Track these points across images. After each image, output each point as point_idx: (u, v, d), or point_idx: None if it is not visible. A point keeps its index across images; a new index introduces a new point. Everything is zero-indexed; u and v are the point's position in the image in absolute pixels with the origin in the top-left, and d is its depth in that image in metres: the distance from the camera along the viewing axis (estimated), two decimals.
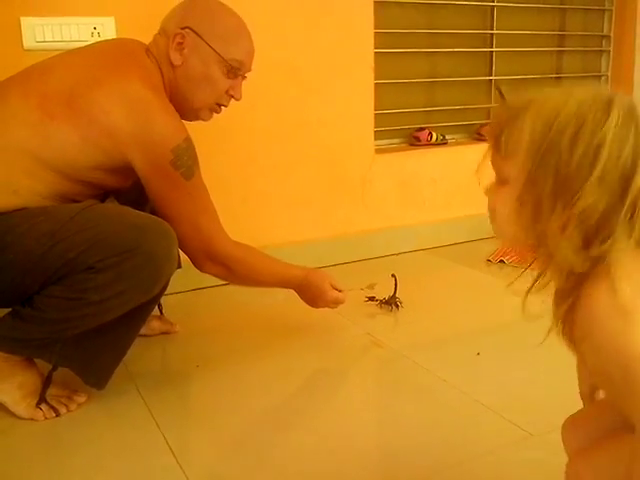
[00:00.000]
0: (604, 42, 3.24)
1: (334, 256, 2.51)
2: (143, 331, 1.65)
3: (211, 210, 1.53)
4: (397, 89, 2.71)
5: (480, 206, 2.94)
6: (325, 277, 1.74)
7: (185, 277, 1.91)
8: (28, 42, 1.92)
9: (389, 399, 1.54)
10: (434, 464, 1.25)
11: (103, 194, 1.55)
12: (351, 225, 2.56)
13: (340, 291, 1.75)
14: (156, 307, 1.68)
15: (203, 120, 1.65)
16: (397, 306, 2.05)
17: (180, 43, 1.50)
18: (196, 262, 1.55)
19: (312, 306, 1.76)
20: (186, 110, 1.57)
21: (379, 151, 2.61)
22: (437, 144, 2.74)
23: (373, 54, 2.49)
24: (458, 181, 2.75)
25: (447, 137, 2.81)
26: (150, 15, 2.04)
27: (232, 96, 1.61)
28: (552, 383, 1.55)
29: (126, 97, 1.38)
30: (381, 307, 2.06)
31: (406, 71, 2.72)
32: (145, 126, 1.38)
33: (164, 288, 1.47)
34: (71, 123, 1.36)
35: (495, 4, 2.86)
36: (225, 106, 1.64)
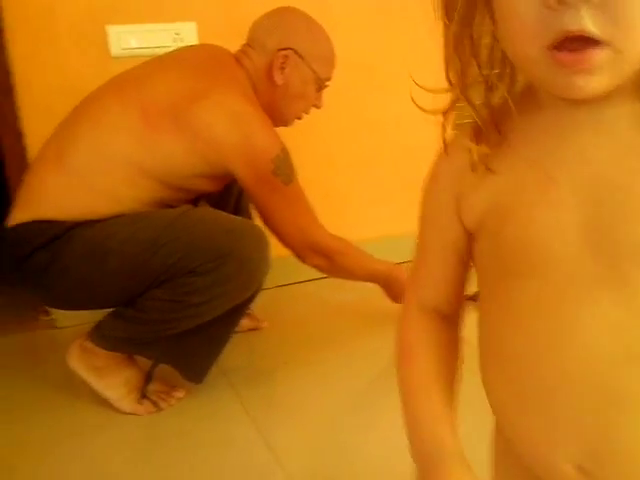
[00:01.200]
0: None
1: (410, 253, 2.50)
2: None
3: (309, 210, 1.58)
4: None
5: None
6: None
7: (271, 274, 1.95)
8: (115, 50, 1.99)
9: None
10: None
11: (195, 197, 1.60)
12: None
13: None
14: None
15: (287, 126, 1.73)
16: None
17: (283, 63, 1.55)
18: (300, 255, 1.61)
19: (395, 301, 1.78)
20: (278, 120, 1.65)
21: None
22: None
23: None
24: None
25: None
26: (230, 20, 2.11)
27: (316, 105, 1.70)
28: None
29: (227, 110, 1.44)
30: (469, 304, 2.05)
31: None
32: (247, 139, 1.44)
33: (258, 289, 1.52)
34: (175, 135, 1.41)
35: None
36: (307, 114, 1.71)
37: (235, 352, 1.78)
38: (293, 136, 2.23)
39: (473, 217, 0.58)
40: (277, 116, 1.63)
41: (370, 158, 2.41)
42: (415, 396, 0.62)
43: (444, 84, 0.60)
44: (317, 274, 1.96)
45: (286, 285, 2.24)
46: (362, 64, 2.32)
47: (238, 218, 1.51)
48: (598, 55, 0.44)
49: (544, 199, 0.51)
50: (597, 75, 0.45)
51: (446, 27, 0.57)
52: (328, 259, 1.62)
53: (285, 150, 1.51)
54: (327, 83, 1.67)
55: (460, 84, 0.56)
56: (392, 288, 1.75)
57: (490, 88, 0.55)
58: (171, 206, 1.48)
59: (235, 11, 2.10)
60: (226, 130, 1.43)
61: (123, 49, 2.00)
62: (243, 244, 1.40)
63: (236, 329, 1.84)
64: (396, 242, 2.46)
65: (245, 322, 1.90)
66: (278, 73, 1.56)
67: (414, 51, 2.39)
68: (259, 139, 1.45)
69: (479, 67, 0.55)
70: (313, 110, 2.08)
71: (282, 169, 1.48)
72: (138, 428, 1.46)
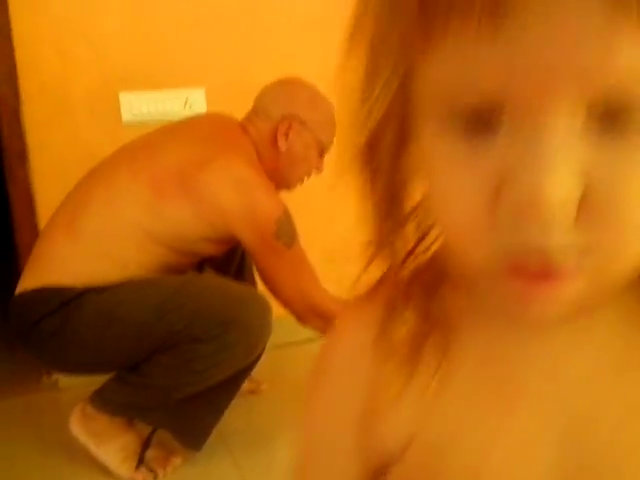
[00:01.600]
0: None
1: None
2: None
3: (311, 272, 1.60)
4: None
5: None
6: None
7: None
8: (126, 116, 2.06)
9: None
10: None
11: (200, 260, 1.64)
12: None
13: None
14: None
15: (290, 190, 1.77)
16: None
17: (286, 130, 1.61)
18: (300, 318, 1.62)
19: None
20: (282, 184, 1.71)
21: None
22: None
23: None
24: None
25: None
26: (238, 86, 2.18)
27: (318, 169, 1.73)
28: None
29: (231, 177, 1.50)
30: None
31: None
32: (251, 204, 1.49)
33: (260, 354, 1.54)
34: (183, 201, 1.46)
35: None
36: (309, 177, 1.76)
37: (234, 416, 1.79)
38: (294, 197, 2.29)
39: (392, 445, 0.38)
40: (281, 180, 1.69)
41: None
42: None
43: None
44: (317, 334, 1.98)
45: (286, 345, 2.25)
46: None
47: (241, 286, 1.55)
48: (569, 287, 0.30)
49: (503, 426, 0.37)
50: (564, 306, 0.31)
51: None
52: (328, 322, 1.63)
53: (287, 213, 1.55)
54: (329, 148, 1.72)
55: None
56: None
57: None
58: (178, 270, 1.52)
59: (242, 78, 2.17)
60: (230, 196, 1.48)
61: (134, 115, 2.07)
62: (246, 312, 1.44)
63: None
64: None
65: (245, 385, 1.92)
66: (282, 139, 1.62)
67: None
68: (262, 203, 1.50)
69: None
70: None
71: (284, 232, 1.52)
72: None
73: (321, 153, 1.69)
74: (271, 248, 1.52)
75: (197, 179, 1.48)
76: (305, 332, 2.01)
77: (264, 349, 1.54)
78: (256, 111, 1.67)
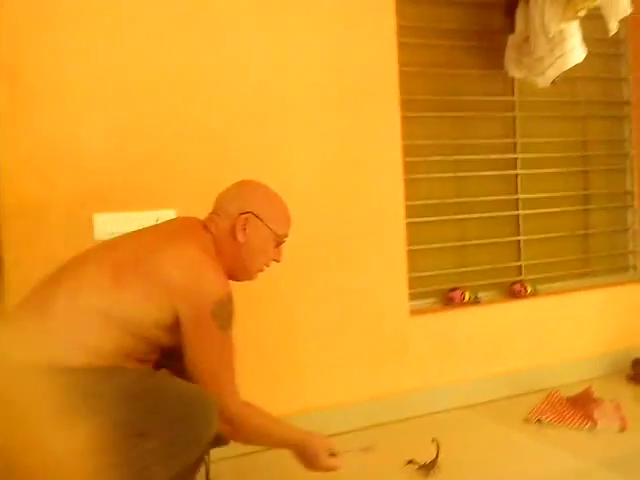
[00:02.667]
0: (628, 198, 3.42)
1: (377, 416, 2.61)
2: None
3: (233, 368, 1.69)
4: (430, 253, 2.91)
5: (515, 362, 3.07)
6: (322, 443, 1.82)
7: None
8: (98, 234, 2.21)
9: None
10: None
11: (157, 357, 1.73)
12: (392, 386, 2.68)
13: (335, 455, 1.83)
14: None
15: (252, 280, 1.90)
16: (434, 471, 2.12)
17: (244, 224, 1.79)
18: None
19: (306, 468, 1.83)
20: (242, 274, 1.85)
21: (414, 312, 2.77)
22: (470, 303, 2.89)
23: (404, 224, 2.71)
24: (493, 338, 2.87)
25: (480, 295, 2.96)
26: (207, 207, 2.34)
27: (275, 259, 1.90)
28: None
29: (183, 258, 1.64)
30: (419, 472, 2.14)
31: (439, 235, 2.94)
32: (196, 280, 1.61)
33: (202, 457, 1.61)
34: (136, 283, 1.59)
35: (519, 172, 3.10)
36: (268, 267, 1.91)
37: None
38: (260, 305, 2.42)
39: None
40: (241, 270, 1.84)
41: (332, 326, 2.58)
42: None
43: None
44: None
45: (249, 454, 2.31)
46: (323, 239, 2.55)
47: (191, 385, 1.62)
48: None
49: None
50: None
51: None
52: (232, 426, 1.68)
53: (230, 297, 1.66)
54: (284, 239, 1.89)
55: None
56: (302, 456, 1.81)
57: None
58: (139, 359, 1.62)
59: (211, 199, 2.34)
60: (178, 273, 1.61)
61: (107, 233, 2.21)
62: (193, 410, 1.53)
63: None
64: (358, 407, 2.59)
65: None
66: (240, 233, 1.78)
67: (370, 224, 2.64)
68: (206, 281, 1.62)
69: None
70: (280, 280, 2.29)
71: (222, 313, 1.62)
72: None
73: (277, 244, 1.86)
74: (205, 324, 1.61)
75: (149, 261, 1.62)
76: None
77: (205, 451, 1.61)
78: (216, 211, 1.85)
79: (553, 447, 2.31)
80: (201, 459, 1.64)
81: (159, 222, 1.95)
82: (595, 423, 2.50)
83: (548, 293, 3.10)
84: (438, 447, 2.16)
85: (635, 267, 3.43)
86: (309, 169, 2.54)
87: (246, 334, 2.39)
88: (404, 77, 2.74)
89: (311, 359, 2.54)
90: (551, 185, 3.20)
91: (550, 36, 2.69)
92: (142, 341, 1.63)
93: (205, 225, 1.82)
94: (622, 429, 2.46)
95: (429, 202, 2.90)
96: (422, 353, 2.75)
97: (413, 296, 2.82)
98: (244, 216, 1.79)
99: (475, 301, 2.91)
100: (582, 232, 3.31)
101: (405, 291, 2.73)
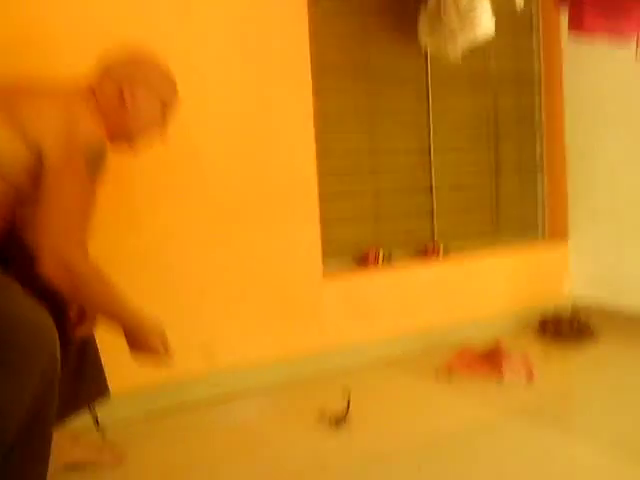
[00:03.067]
0: (538, 163, 3.52)
1: (290, 375, 2.60)
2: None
3: (88, 223, 1.59)
4: (344, 217, 2.90)
5: (428, 319, 3.11)
6: (156, 326, 1.75)
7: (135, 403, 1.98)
8: None
9: None
10: None
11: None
12: (305, 344, 2.66)
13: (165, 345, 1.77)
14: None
15: (136, 147, 1.85)
16: (344, 422, 2.12)
17: (131, 88, 1.75)
18: (43, 258, 1.52)
19: (135, 349, 1.75)
20: (125, 139, 1.81)
21: (328, 274, 2.75)
22: (384, 263, 2.91)
23: (317, 184, 2.69)
24: (406, 296, 2.90)
25: (393, 255, 2.98)
26: None
27: (161, 128, 1.87)
28: None
29: (61, 101, 1.61)
30: (330, 424, 2.13)
31: (352, 204, 2.93)
32: (74, 120, 1.57)
33: (52, 395, 1.47)
34: (8, 122, 1.52)
35: (432, 140, 3.13)
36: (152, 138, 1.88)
37: None
38: (167, 267, 2.35)
39: None
40: (127, 134, 1.80)
41: (246, 288, 2.53)
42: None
43: None
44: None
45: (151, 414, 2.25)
46: (239, 199, 2.50)
47: (35, 305, 1.48)
48: None
49: None
50: None
51: None
52: (70, 274, 1.53)
53: (105, 150, 1.61)
54: (171, 108, 1.85)
55: None
56: (136, 334, 1.72)
57: None
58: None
59: None
60: (55, 111, 1.56)
61: None
62: (24, 332, 1.41)
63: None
64: (271, 367, 2.56)
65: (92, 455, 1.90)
66: (128, 97, 1.74)
67: (280, 182, 2.59)
68: (85, 125, 1.58)
69: None
70: (189, 240, 2.23)
71: (94, 161, 1.57)
72: None
73: (164, 110, 1.83)
74: (75, 166, 1.54)
75: (25, 101, 1.58)
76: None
77: (53, 391, 1.47)
78: (102, 75, 1.78)
79: (462, 398, 2.35)
80: (47, 397, 1.47)
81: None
82: (504, 375, 2.57)
83: (459, 254, 3.15)
84: (349, 399, 2.16)
85: (543, 229, 3.54)
86: (219, 126, 2.47)
87: (154, 296, 2.33)
88: (319, 43, 2.73)
89: (221, 321, 2.49)
90: (464, 151, 3.25)
91: (461, 8, 2.73)
92: (11, 190, 1.53)
93: (91, 87, 1.76)
94: (529, 380, 2.53)
95: (342, 163, 2.89)
96: (335, 314, 2.74)
97: (327, 257, 2.80)
98: (130, 80, 1.76)
99: (388, 260, 2.93)
100: (493, 196, 3.38)
101: (319, 252, 2.71)
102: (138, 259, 2.30)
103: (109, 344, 1.85)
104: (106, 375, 1.92)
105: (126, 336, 1.74)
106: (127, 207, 2.29)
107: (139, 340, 1.73)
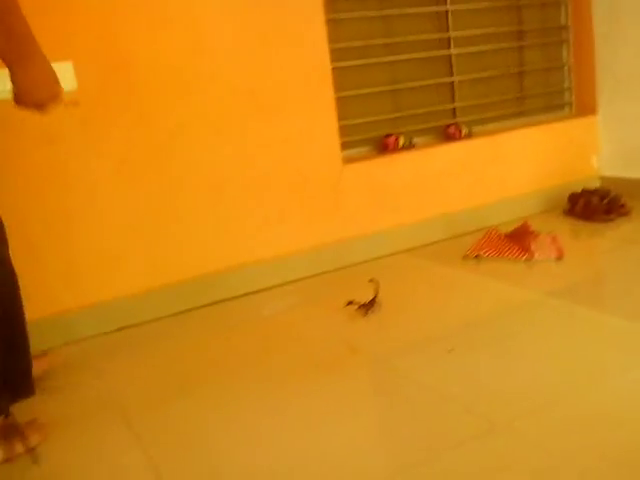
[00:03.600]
0: (563, 33, 3.30)
1: (316, 267, 2.57)
2: None
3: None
4: (361, 99, 2.77)
5: (452, 204, 3.04)
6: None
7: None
8: None
9: (362, 403, 1.59)
10: (402, 461, 1.30)
11: None
12: (328, 235, 2.62)
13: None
14: None
15: None
16: (373, 309, 2.11)
17: None
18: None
19: (29, 93, 1.50)
20: None
21: (348, 161, 2.67)
22: (405, 148, 2.80)
23: (330, 70, 2.55)
24: (429, 182, 2.82)
25: (415, 140, 2.87)
26: (109, 56, 2.14)
27: None
28: (516, 374, 1.60)
29: None
30: (359, 311, 2.12)
31: (369, 80, 2.79)
32: None
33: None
34: None
35: (449, 8, 2.92)
36: None
37: (123, 379, 1.80)
38: (182, 162, 2.29)
39: None
40: None
41: (262, 179, 2.46)
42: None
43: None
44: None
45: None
46: (243, 88, 2.38)
47: None
48: None
49: None
50: None
51: None
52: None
53: None
54: None
55: None
56: (38, 70, 1.50)
57: None
58: None
59: (112, 47, 2.13)
60: None
61: (1, 93, 2.00)
62: None
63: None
64: (293, 260, 2.54)
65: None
66: None
67: (294, 71, 2.47)
68: None
69: None
70: (199, 137, 2.16)
71: None
72: None
73: None
74: None
75: None
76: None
77: None
78: None
79: (492, 281, 2.31)
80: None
81: None
82: (532, 255, 2.51)
83: (483, 134, 3.02)
84: (376, 286, 2.14)
85: (570, 104, 3.37)
86: (225, 11, 2.32)
87: (171, 193, 2.28)
88: None
89: (241, 216, 2.44)
90: (484, 21, 3.05)
91: None
92: None
93: None
94: (559, 258, 2.48)
95: (356, 44, 2.73)
96: (357, 202, 2.67)
97: (346, 145, 2.71)
98: None
99: (410, 146, 2.82)
100: (517, 70, 3.20)
101: (337, 140, 2.61)
102: (149, 155, 2.23)
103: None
104: None
105: (20, 75, 1.48)
106: (136, 102, 2.20)
107: (37, 78, 1.49)
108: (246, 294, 2.45)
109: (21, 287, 1.62)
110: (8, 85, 1.99)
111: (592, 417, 1.37)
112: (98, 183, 2.18)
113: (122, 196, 2.22)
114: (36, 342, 2.09)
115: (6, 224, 1.60)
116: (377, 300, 2.13)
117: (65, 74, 2.06)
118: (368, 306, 2.11)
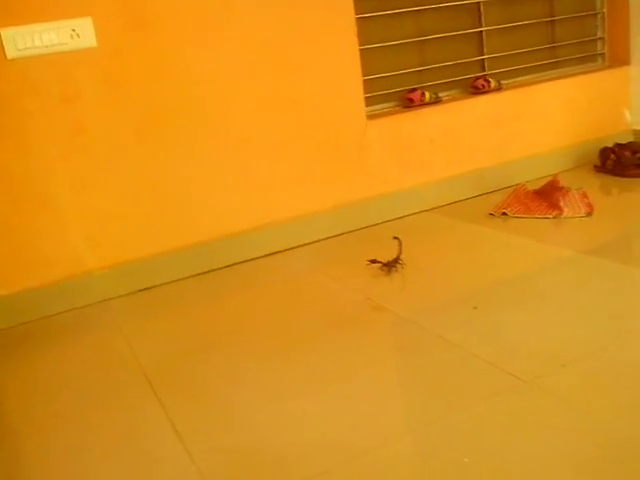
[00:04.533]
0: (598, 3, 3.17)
1: (338, 226, 2.55)
2: None
3: None
4: (385, 52, 2.70)
5: (480, 161, 2.98)
6: None
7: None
8: (11, 52, 1.97)
9: (385, 360, 1.58)
10: (427, 417, 1.29)
11: None
12: (352, 194, 2.58)
13: None
14: None
15: None
16: (396, 268, 2.08)
17: None
18: None
19: None
20: None
21: (372, 117, 2.61)
22: (431, 103, 2.73)
23: (355, 20, 2.48)
24: (456, 138, 2.75)
25: (441, 95, 2.80)
26: (127, 12, 2.10)
27: None
28: (543, 330, 1.58)
29: None
30: (382, 269, 2.10)
31: (392, 33, 2.71)
32: None
33: None
34: None
35: None
36: None
37: (160, 359, 1.81)
38: (206, 119, 2.26)
39: None
40: None
41: (285, 137, 2.42)
42: None
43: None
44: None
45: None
46: (266, 44, 2.33)
47: None
48: None
49: None
50: None
51: None
52: None
53: None
54: None
55: None
56: None
57: None
58: None
59: (131, 3, 2.09)
60: None
61: (19, 50, 1.98)
62: None
63: None
64: (319, 218, 2.52)
65: None
66: None
67: (317, 23, 2.41)
68: None
69: None
70: (224, 91, 2.15)
71: None
72: None
73: None
74: None
75: None
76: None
77: None
78: None
79: (520, 238, 2.27)
80: None
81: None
82: (562, 211, 2.46)
83: (513, 87, 2.93)
84: (400, 244, 2.11)
85: (603, 55, 3.25)
86: None
87: (195, 150, 2.26)
88: None
89: (264, 174, 2.41)
90: None
91: None
92: None
93: None
94: (589, 214, 2.41)
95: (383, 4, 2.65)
96: (382, 158, 2.63)
97: (371, 101, 2.65)
98: None
99: (436, 100, 2.75)
100: (547, 19, 3.08)
101: (361, 94, 2.55)
102: (169, 112, 2.21)
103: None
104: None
105: None
106: (157, 59, 2.16)
107: None
108: (269, 254, 2.44)
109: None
110: (28, 43, 1.99)
111: (620, 373, 1.34)
112: (120, 142, 2.16)
113: (144, 154, 2.20)
114: (56, 304, 2.13)
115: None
116: (401, 258, 2.10)
117: (84, 30, 2.03)
118: (392, 264, 2.08)
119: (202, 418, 1.41)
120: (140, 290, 2.25)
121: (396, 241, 2.13)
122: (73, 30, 2.02)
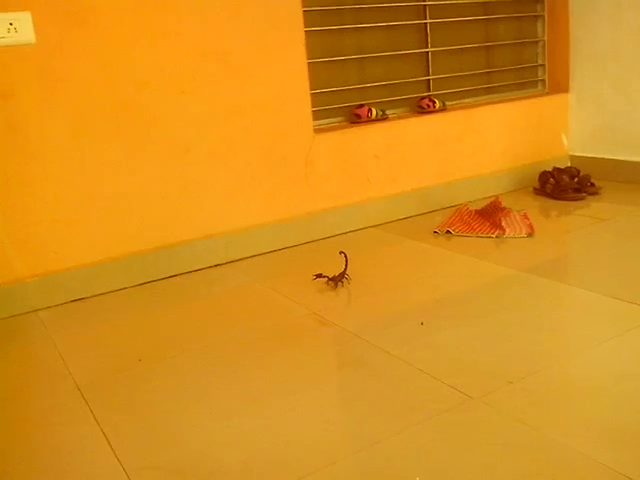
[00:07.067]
0: (539, 7, 3.26)
1: (283, 240, 2.50)
2: None
3: None
4: (334, 67, 2.70)
5: (424, 179, 3.00)
6: None
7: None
8: None
9: (330, 375, 1.54)
10: (374, 434, 1.25)
11: None
12: (296, 208, 2.55)
13: None
14: None
15: None
16: (342, 282, 2.06)
17: None
18: None
19: None
20: None
21: (319, 130, 2.59)
22: (378, 120, 2.74)
23: (304, 32, 2.46)
24: (401, 155, 2.76)
25: (388, 112, 2.81)
26: (69, 9, 2.01)
27: None
28: (488, 347, 1.57)
29: None
30: (328, 284, 2.06)
31: (342, 48, 2.71)
32: None
33: None
34: None
35: None
36: None
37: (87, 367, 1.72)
38: (144, 124, 2.18)
39: None
40: None
41: (228, 146, 2.38)
42: None
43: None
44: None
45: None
46: (212, 50, 2.28)
47: None
48: None
49: None
50: None
51: None
52: None
53: None
54: None
55: None
56: None
57: None
58: None
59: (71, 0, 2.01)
60: None
61: None
62: None
63: None
64: (261, 232, 2.46)
65: None
66: None
67: (266, 33, 2.38)
68: None
69: None
70: (165, 96, 2.05)
71: None
72: None
73: None
74: None
75: None
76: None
77: None
78: None
79: (462, 256, 2.28)
80: None
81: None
82: (503, 231, 2.49)
83: (457, 108, 2.98)
84: (346, 258, 2.08)
85: (544, 81, 3.35)
86: None
87: (134, 154, 2.18)
88: None
89: (206, 184, 2.35)
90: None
91: None
92: None
93: None
94: (530, 235, 2.45)
95: (328, 8, 2.64)
96: (328, 172, 2.61)
97: (318, 115, 2.63)
98: None
99: (383, 117, 2.76)
100: (491, 44, 3.16)
101: (309, 107, 2.53)
102: (110, 113, 2.12)
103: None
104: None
105: None
106: (98, 57, 2.08)
107: None
108: (211, 266, 2.37)
109: None
110: None
111: (564, 389, 1.34)
112: (55, 142, 2.06)
113: (80, 157, 2.11)
114: None
115: None
116: (347, 273, 2.07)
117: (22, 25, 1.94)
118: (338, 279, 2.05)
119: (138, 434, 1.33)
120: (74, 300, 2.14)
121: (342, 256, 2.10)
122: (10, 24, 1.92)
